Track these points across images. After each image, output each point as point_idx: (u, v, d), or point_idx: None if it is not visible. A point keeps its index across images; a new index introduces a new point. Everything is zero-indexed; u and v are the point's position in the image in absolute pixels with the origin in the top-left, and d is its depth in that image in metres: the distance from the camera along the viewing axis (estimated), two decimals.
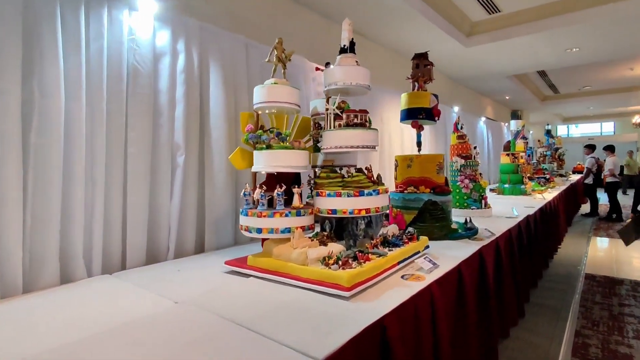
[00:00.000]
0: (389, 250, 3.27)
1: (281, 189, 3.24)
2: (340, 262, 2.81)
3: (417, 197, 4.84)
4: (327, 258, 2.84)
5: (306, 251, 2.90)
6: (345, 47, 3.39)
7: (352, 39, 3.43)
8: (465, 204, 6.37)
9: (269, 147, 3.23)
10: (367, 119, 3.35)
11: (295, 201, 3.28)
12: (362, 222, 3.20)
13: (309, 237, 3.17)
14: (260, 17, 5.49)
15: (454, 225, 4.97)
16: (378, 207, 3.24)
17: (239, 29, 4.71)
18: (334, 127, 3.25)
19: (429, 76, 5.12)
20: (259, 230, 3.11)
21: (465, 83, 12.67)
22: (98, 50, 3.33)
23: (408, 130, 8.74)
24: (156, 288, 2.85)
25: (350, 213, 3.11)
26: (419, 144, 5.26)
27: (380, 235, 3.55)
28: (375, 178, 3.45)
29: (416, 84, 5.15)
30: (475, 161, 6.51)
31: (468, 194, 6.34)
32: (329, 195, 3.16)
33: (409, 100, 5.10)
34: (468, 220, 5.00)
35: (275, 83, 3.35)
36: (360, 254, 2.95)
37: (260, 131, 3.38)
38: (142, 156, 3.65)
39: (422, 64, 5.16)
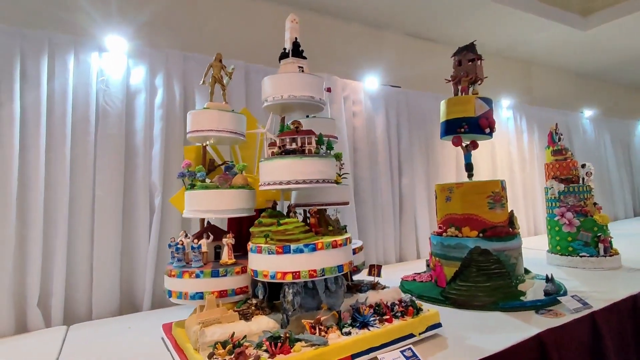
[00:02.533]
0: (346, 335, 2.17)
1: (204, 239, 2.54)
2: (234, 354, 1.91)
3: (459, 242, 3.42)
4: (220, 345, 1.98)
5: (201, 331, 2.10)
6: (287, 50, 2.56)
7: (296, 38, 2.58)
8: (570, 249, 4.37)
9: (192, 186, 2.59)
10: (314, 143, 2.40)
11: (224, 256, 2.52)
12: (289, 290, 2.20)
13: (236, 309, 2.35)
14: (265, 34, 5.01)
15: (524, 286, 3.32)
16: (327, 267, 2.20)
17: (236, 54, 4.30)
18: (266, 157, 2.40)
19: (476, 74, 3.71)
20: (169, 294, 2.45)
21: (601, 76, 9.53)
22: (61, 95, 3.32)
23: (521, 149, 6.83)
24: (84, 347, 2.68)
25: (272, 277, 2.17)
26: (467, 167, 3.82)
27: (351, 307, 2.46)
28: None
29: (458, 87, 3.79)
30: (587, 186, 4.47)
31: (574, 233, 4.34)
32: (252, 250, 2.30)
33: (447, 109, 3.77)
34: (549, 277, 3.29)
35: (206, 108, 2.73)
36: (272, 342, 1.99)
37: (200, 167, 2.78)
38: (111, 199, 3.47)
39: (465, 60, 3.79)
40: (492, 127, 3.61)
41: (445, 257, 3.53)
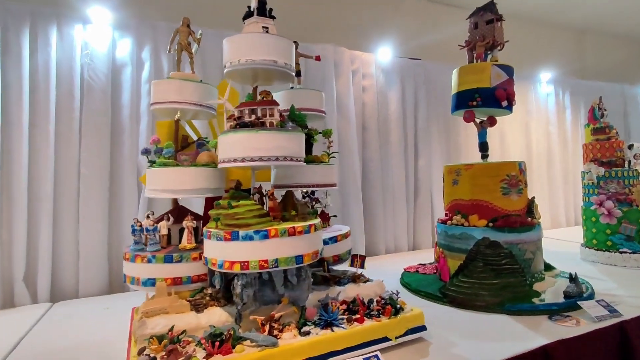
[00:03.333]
0: (303, 335, 1.90)
1: (164, 221, 2.34)
2: (166, 351, 1.71)
3: (465, 232, 2.99)
4: (155, 340, 1.77)
5: (141, 321, 1.91)
6: (252, 9, 2.22)
7: None
8: (609, 244, 3.76)
9: (152, 164, 2.38)
10: (276, 115, 2.08)
11: (184, 240, 2.31)
12: (238, 282, 1.93)
13: (189, 298, 2.15)
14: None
15: (542, 285, 2.86)
16: (284, 256, 1.91)
17: (230, 24, 3.99)
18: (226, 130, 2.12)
19: (494, 38, 3.16)
20: (124, 278, 2.28)
21: None
22: (44, 70, 3.23)
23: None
24: (55, 325, 2.69)
25: (219, 267, 1.92)
26: (481, 147, 3.32)
27: (320, 303, 2.17)
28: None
29: (473, 53, 3.27)
30: (634, 170, 3.79)
31: (614, 226, 3.72)
32: (204, 235, 2.06)
33: (459, 79, 3.27)
34: (572, 277, 2.80)
35: (170, 78, 2.49)
36: (211, 341, 1.75)
37: (169, 143, 2.57)
38: (97, 176, 3.38)
39: (482, 22, 3.25)
40: (510, 99, 3.08)
41: (450, 248, 3.11)
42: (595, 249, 3.83)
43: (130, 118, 3.51)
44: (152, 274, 2.16)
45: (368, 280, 2.54)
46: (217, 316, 2.02)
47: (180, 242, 2.40)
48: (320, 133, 3.03)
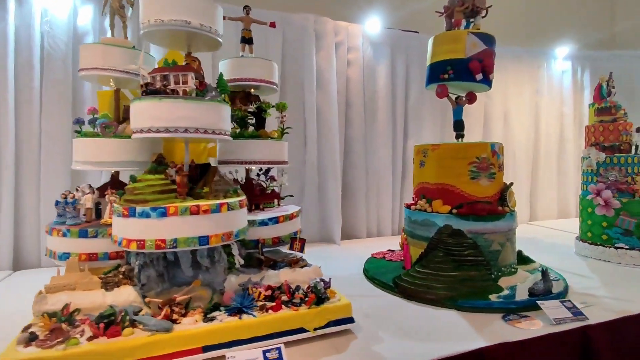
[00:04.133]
0: (208, 322, 1.76)
1: (89, 194, 2.24)
2: (49, 329, 1.62)
3: (427, 219, 2.74)
4: (46, 316, 1.69)
5: (40, 296, 1.83)
6: None
7: None
8: (604, 237, 3.38)
9: (78, 135, 2.27)
10: (191, 83, 1.88)
11: (105, 215, 2.20)
12: (136, 262, 1.80)
13: (102, 275, 2.05)
14: None
15: (509, 280, 2.59)
16: (186, 236, 1.76)
17: None
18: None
19: (474, 3, 2.79)
20: (45, 251, 2.21)
21: None
22: (2, 39, 3.15)
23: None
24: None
25: (119, 244, 1.79)
26: (455, 125, 3.00)
27: (241, 287, 2.03)
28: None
29: (452, 20, 2.91)
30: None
31: (611, 218, 3.33)
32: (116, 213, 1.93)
33: (433, 49, 2.94)
34: (543, 271, 2.52)
35: (100, 43, 2.33)
36: (98, 322, 1.65)
37: (105, 113, 2.45)
38: (59, 148, 3.33)
39: None
40: (487, 72, 2.73)
41: (412, 234, 2.87)
42: (589, 243, 3.46)
43: (92, 88, 3.41)
44: (68, 248, 2.08)
45: (306, 265, 2.36)
46: (125, 296, 1.91)
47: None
48: (273, 107, 2.82)
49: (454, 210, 2.64)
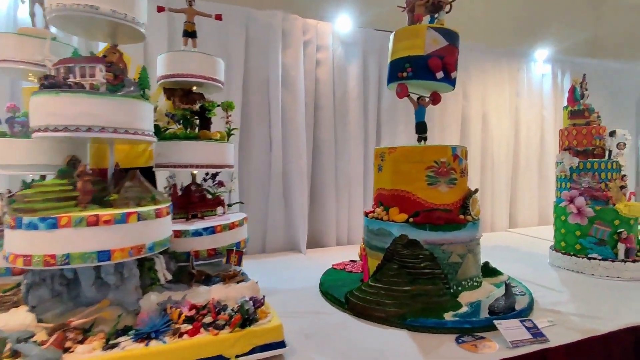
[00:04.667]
0: (107, 349, 1.53)
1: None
2: None
3: (382, 228, 2.53)
4: None
5: None
6: None
7: None
8: (578, 247, 3.20)
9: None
10: (99, 76, 1.66)
11: None
12: (24, 281, 1.57)
13: (2, 293, 1.81)
14: None
15: (470, 296, 2.39)
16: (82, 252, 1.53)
17: None
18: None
19: None
20: None
21: None
22: None
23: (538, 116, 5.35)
24: None
25: (6, 259, 1.56)
26: (418, 127, 2.80)
27: (160, 305, 1.80)
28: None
29: (413, 15, 2.72)
30: (614, 162, 3.18)
31: (585, 227, 3.14)
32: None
33: (393, 46, 2.75)
34: (506, 286, 2.32)
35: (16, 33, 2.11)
36: None
37: (25, 112, 2.22)
38: None
39: None
40: (448, 70, 2.54)
41: (369, 245, 2.66)
42: (562, 253, 3.27)
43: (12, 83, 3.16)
44: None
45: (242, 280, 2.14)
46: (20, 318, 1.67)
47: None
48: (218, 106, 2.61)
49: (411, 219, 2.43)
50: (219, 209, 2.58)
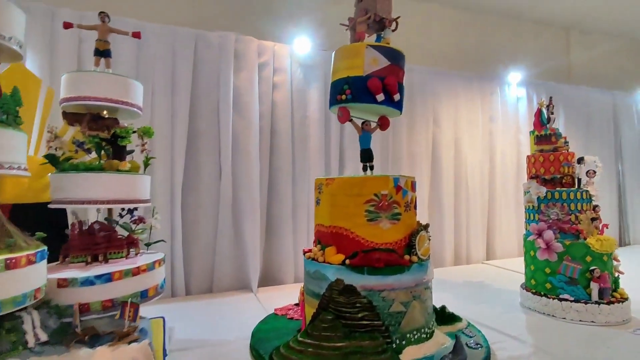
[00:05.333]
0: None
1: None
2: None
3: (318, 270, 2.21)
4: None
5: None
6: None
7: None
8: (548, 286, 2.88)
9: None
10: None
11: None
12: None
13: None
14: None
15: (417, 351, 2.05)
16: None
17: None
18: None
19: (377, 12, 2.39)
20: None
21: None
22: None
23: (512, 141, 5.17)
24: None
25: None
26: (363, 155, 2.53)
27: None
28: None
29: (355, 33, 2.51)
30: (584, 192, 2.91)
31: (555, 264, 2.84)
32: None
33: (334, 66, 2.51)
34: (457, 339, 1.99)
35: None
36: None
37: None
38: None
39: None
40: (390, 92, 2.29)
41: (307, 289, 2.33)
42: (532, 292, 2.95)
43: None
44: None
45: (135, 340, 1.79)
46: None
47: None
48: (134, 132, 2.33)
49: (347, 261, 2.12)
50: (133, 250, 2.25)
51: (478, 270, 4.53)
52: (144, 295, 2.04)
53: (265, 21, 4.18)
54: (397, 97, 2.33)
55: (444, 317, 2.49)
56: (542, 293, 2.88)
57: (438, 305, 2.56)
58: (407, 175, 2.40)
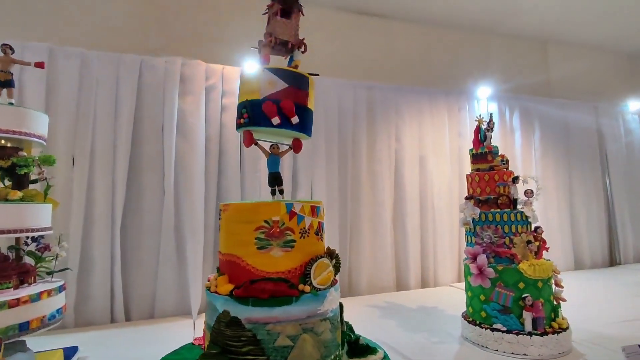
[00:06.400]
0: None
1: None
2: None
3: (210, 301, 2.13)
4: None
5: None
6: None
7: None
8: (484, 315, 2.69)
9: None
10: None
11: None
12: None
13: None
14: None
15: None
16: None
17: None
18: None
19: (277, 36, 2.37)
20: None
21: None
22: None
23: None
24: None
25: None
26: (271, 180, 2.46)
27: None
28: None
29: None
30: (519, 213, 2.74)
31: (489, 290, 2.66)
32: None
33: (240, 89, 2.47)
34: None
35: None
36: None
37: None
38: None
39: (272, 15, 2.47)
40: (287, 115, 2.23)
41: (207, 321, 2.24)
42: (468, 321, 2.76)
43: None
44: None
45: None
46: None
47: None
48: (36, 161, 2.33)
49: (233, 292, 2.02)
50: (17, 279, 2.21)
51: (443, 293, 4.32)
52: (23, 328, 2.00)
53: (214, 45, 4.23)
54: (294, 119, 2.26)
55: (357, 349, 2.34)
56: (477, 322, 2.69)
57: (377, 334, 2.42)
58: (314, 200, 2.31)
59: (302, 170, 4.22)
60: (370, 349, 2.36)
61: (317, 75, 4.64)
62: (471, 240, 2.89)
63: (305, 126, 2.39)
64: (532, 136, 5.48)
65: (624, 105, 6.20)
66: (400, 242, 4.62)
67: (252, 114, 2.25)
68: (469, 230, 2.92)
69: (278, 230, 2.09)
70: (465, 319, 2.83)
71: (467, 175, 3.13)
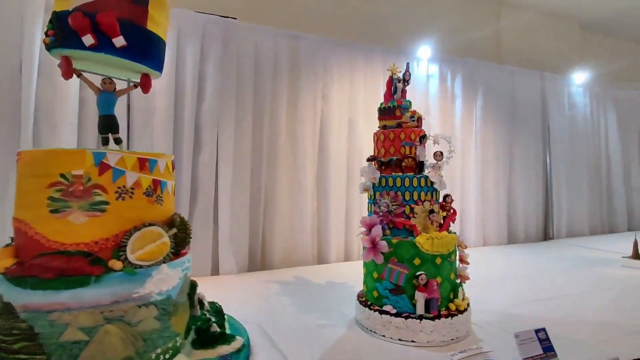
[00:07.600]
0: None
1: None
2: None
3: None
4: None
5: None
6: None
7: None
8: (375, 295, 2.31)
9: None
10: None
11: None
12: None
13: None
14: None
15: None
16: None
17: None
18: None
19: None
20: None
21: (609, 27, 6.62)
22: None
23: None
24: None
25: None
26: (101, 122, 1.89)
27: None
28: None
29: None
30: (424, 178, 2.33)
31: (381, 266, 2.27)
32: None
33: None
34: None
35: None
36: None
37: None
38: None
39: None
40: (108, 34, 1.65)
41: None
42: (360, 302, 2.39)
43: None
44: None
45: None
46: None
47: None
48: None
49: (13, 268, 1.49)
50: None
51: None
52: None
53: None
54: (119, 41, 1.68)
55: (207, 338, 1.90)
56: (370, 303, 2.32)
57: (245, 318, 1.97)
58: (157, 153, 1.78)
59: (206, 128, 3.64)
60: (225, 337, 1.93)
61: (235, 19, 4.04)
62: (372, 208, 2.48)
63: (146, 54, 1.81)
64: (474, 104, 5.12)
65: (570, 77, 5.97)
66: (322, 212, 4.20)
67: (60, 31, 1.64)
68: (369, 197, 2.50)
69: (81, 187, 1.55)
70: (358, 299, 2.45)
71: (374, 133, 2.68)
